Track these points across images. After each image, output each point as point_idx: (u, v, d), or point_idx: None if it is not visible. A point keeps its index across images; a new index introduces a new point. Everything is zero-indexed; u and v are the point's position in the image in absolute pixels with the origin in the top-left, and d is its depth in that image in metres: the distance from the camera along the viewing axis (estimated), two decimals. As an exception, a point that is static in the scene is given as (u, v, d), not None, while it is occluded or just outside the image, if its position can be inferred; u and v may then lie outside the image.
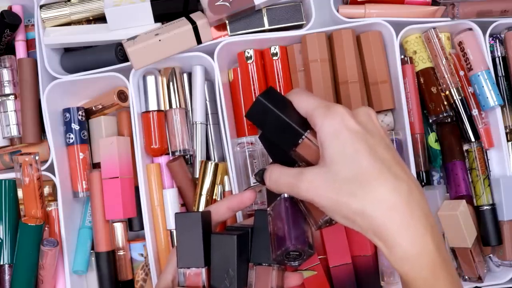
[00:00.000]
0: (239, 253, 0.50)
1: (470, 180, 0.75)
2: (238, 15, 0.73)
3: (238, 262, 0.49)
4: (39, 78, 0.75)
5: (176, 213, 0.52)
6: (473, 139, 0.74)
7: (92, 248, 0.76)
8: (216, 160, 0.77)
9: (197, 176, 0.76)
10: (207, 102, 0.78)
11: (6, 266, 0.68)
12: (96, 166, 0.77)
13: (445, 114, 0.75)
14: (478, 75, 0.74)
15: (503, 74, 0.77)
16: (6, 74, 0.76)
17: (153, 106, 0.75)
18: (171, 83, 0.76)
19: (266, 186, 0.50)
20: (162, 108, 0.76)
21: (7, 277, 0.68)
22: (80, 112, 0.76)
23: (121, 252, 0.75)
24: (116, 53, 0.75)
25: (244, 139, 0.75)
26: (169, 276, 0.53)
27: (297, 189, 0.44)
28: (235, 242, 0.49)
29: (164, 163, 0.76)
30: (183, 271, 0.51)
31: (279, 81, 0.76)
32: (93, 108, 0.78)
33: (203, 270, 0.50)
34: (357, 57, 0.75)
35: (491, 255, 0.76)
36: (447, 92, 0.75)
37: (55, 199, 0.75)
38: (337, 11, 0.75)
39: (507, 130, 0.76)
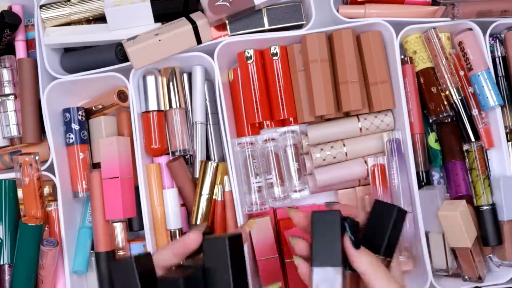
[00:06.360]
0: None
1: (470, 180, 0.75)
2: (238, 15, 0.73)
3: None
4: (39, 78, 0.75)
5: (111, 264, 0.47)
6: (473, 139, 0.74)
7: (92, 248, 0.76)
8: (216, 160, 0.77)
9: (197, 176, 0.76)
10: (207, 102, 0.78)
11: (6, 266, 0.68)
12: (96, 166, 0.77)
13: (445, 114, 0.75)
14: (478, 75, 0.74)
15: (503, 74, 0.77)
16: (6, 74, 0.76)
17: (153, 106, 0.75)
18: (171, 83, 0.76)
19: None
20: (162, 108, 0.76)
21: (7, 277, 0.68)
22: (80, 112, 0.76)
23: (121, 252, 0.75)
24: (116, 53, 0.75)
25: (244, 139, 0.75)
26: None
27: None
28: (181, 286, 0.45)
29: (164, 163, 0.76)
30: None
31: (279, 81, 0.76)
32: (93, 108, 0.78)
33: None
34: (357, 57, 0.75)
35: (491, 255, 0.76)
36: (447, 92, 0.75)
37: (55, 199, 0.75)
38: (337, 11, 0.75)
39: (507, 130, 0.76)
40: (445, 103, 0.75)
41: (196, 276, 0.47)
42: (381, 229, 0.51)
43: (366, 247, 0.50)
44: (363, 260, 0.49)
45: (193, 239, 0.50)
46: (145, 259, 0.48)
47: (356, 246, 0.49)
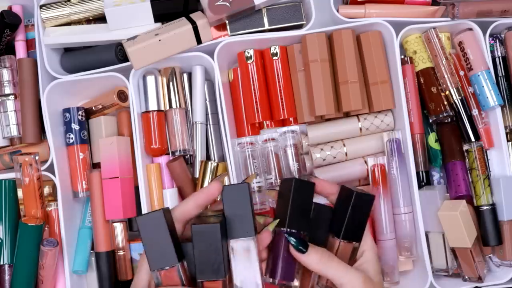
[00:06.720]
0: (222, 239, 0.49)
1: (470, 180, 0.75)
2: (238, 15, 0.73)
3: (222, 248, 0.49)
4: (39, 78, 0.75)
5: (137, 217, 0.50)
6: (473, 139, 0.74)
7: (92, 248, 0.76)
8: (216, 160, 0.77)
9: (197, 176, 0.76)
10: (207, 102, 0.78)
11: (6, 266, 0.68)
12: (96, 166, 0.77)
13: (445, 114, 0.75)
14: (478, 75, 0.74)
15: (503, 74, 0.77)
16: (6, 74, 0.76)
17: (153, 106, 0.75)
18: (171, 83, 0.76)
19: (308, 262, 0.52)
20: (162, 108, 0.76)
21: (7, 277, 0.68)
22: (80, 112, 0.76)
23: (121, 252, 0.75)
24: (116, 53, 0.75)
25: (244, 139, 0.75)
26: (144, 282, 0.52)
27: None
28: (218, 230, 0.48)
29: (164, 163, 0.76)
30: (157, 274, 0.49)
31: (279, 81, 0.76)
32: (93, 108, 0.78)
33: (178, 266, 0.49)
34: (357, 57, 0.75)
35: (491, 255, 0.76)
36: (447, 92, 0.75)
37: (55, 199, 0.75)
38: (337, 11, 0.75)
39: (507, 130, 0.76)
40: (445, 103, 0.75)
41: (223, 223, 0.50)
42: (343, 213, 0.54)
43: (332, 230, 0.54)
44: (311, 260, 0.51)
45: (215, 188, 0.53)
46: (168, 213, 0.51)
47: (302, 250, 0.51)
